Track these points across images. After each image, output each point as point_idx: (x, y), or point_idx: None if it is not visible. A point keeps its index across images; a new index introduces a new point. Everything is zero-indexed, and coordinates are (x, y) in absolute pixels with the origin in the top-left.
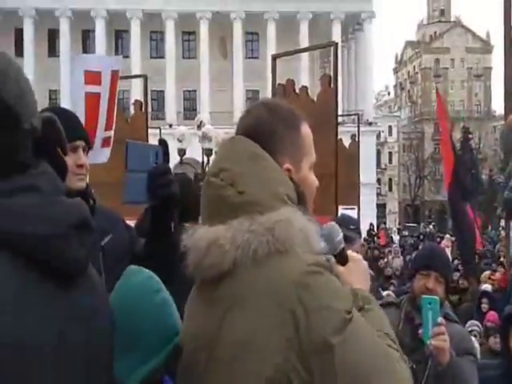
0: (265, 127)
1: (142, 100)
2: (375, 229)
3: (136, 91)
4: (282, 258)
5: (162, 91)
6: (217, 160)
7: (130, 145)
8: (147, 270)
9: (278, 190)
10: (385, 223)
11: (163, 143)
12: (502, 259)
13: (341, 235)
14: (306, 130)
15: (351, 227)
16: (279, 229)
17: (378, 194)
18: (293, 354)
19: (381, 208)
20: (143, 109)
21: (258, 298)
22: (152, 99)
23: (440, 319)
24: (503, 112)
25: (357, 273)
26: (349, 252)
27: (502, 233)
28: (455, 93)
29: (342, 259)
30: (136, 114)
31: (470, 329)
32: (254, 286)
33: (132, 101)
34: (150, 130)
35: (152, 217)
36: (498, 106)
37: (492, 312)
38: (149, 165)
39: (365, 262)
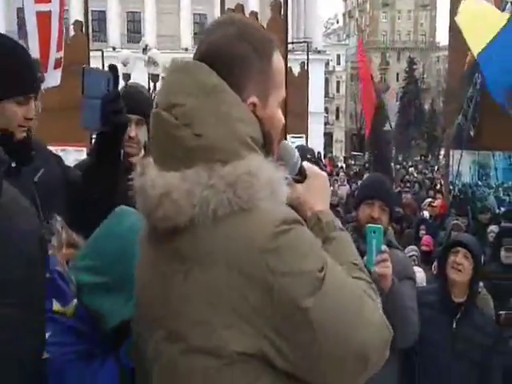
0: (232, 51)
1: (83, 20)
2: (322, 157)
3: (75, 11)
4: (246, 218)
5: (104, 11)
6: (168, 89)
7: (85, 71)
8: (137, 214)
9: (240, 131)
10: (331, 152)
11: (114, 69)
12: (438, 187)
13: (297, 153)
14: (278, 59)
15: (308, 156)
16: (242, 184)
17: (326, 123)
18: (263, 321)
19: (328, 137)
20: (84, 30)
21: (221, 262)
22: (93, 20)
23: (383, 247)
24: (447, 43)
25: (317, 189)
26: (306, 166)
27: (442, 161)
28: (402, 23)
29: (301, 177)
30: (76, 35)
31: (409, 254)
32: (216, 249)
33: (71, 21)
34: (91, 53)
35: (101, 143)
36: (442, 36)
37: (426, 237)
38: (102, 91)
39: (324, 175)
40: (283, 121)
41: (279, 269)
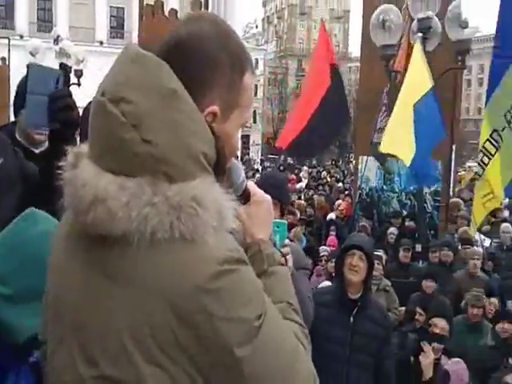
0: (210, 51)
1: None
2: (239, 159)
3: None
4: (187, 249)
5: None
6: (118, 79)
7: (31, 67)
8: (53, 219)
9: (194, 146)
10: (248, 154)
11: (64, 68)
12: (347, 192)
13: (242, 173)
14: (250, 79)
15: None
16: (188, 211)
17: (243, 126)
18: (189, 362)
19: (245, 139)
20: None
21: (150, 291)
22: None
23: (286, 241)
24: (359, 54)
25: (260, 215)
26: (251, 188)
27: (351, 167)
28: (317, 32)
29: (245, 199)
30: None
31: (321, 254)
32: (147, 275)
33: None
34: None
35: (52, 141)
36: (354, 48)
37: (331, 237)
38: (50, 89)
39: (268, 200)
40: (238, 147)
41: (216, 312)
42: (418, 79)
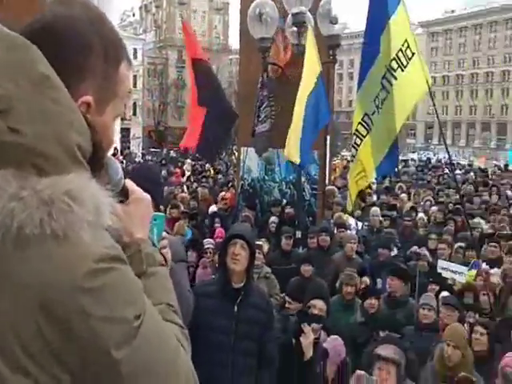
0: (84, 37)
1: None
2: (119, 153)
3: None
4: (60, 246)
5: None
6: None
7: None
8: None
9: (68, 137)
10: (129, 148)
11: None
12: (230, 183)
13: (120, 170)
14: (126, 69)
15: None
16: (61, 206)
17: (122, 119)
18: (61, 366)
19: (125, 133)
20: None
21: (17, 290)
22: None
23: (164, 233)
24: (238, 47)
25: (139, 214)
26: (130, 185)
27: (234, 158)
28: (197, 23)
29: (123, 197)
30: None
31: (206, 246)
32: (14, 273)
33: None
34: None
35: None
36: (234, 40)
37: (219, 229)
38: None
39: (148, 199)
40: (114, 141)
41: (94, 312)
42: (311, 67)
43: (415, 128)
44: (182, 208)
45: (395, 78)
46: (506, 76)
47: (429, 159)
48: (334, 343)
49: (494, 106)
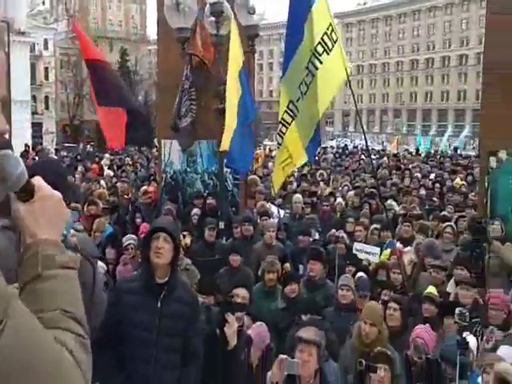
0: None
1: None
2: (31, 149)
3: None
4: None
5: None
6: None
7: None
8: None
9: None
10: (41, 143)
11: None
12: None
13: (22, 164)
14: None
15: None
16: None
17: (34, 113)
18: None
19: (37, 127)
20: None
21: None
22: None
23: (72, 231)
24: (156, 37)
25: (45, 213)
26: (36, 182)
27: (155, 151)
28: (113, 12)
29: (27, 195)
30: None
31: (126, 242)
32: None
33: None
34: None
35: None
36: (152, 31)
37: (144, 224)
38: None
39: (58, 196)
40: (7, 129)
41: None
42: (236, 60)
43: (333, 116)
44: (101, 204)
45: (321, 62)
46: (414, 65)
47: (346, 146)
48: (259, 330)
49: (404, 93)
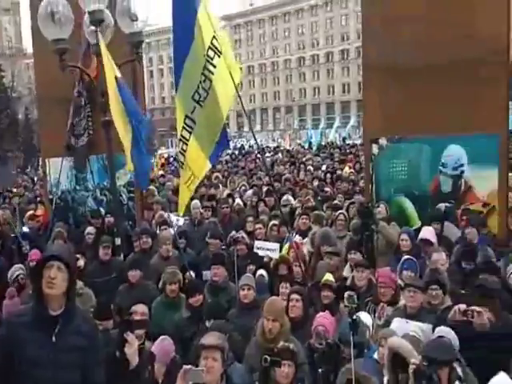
0: None
1: None
2: None
3: None
4: None
5: None
6: None
7: None
8: None
9: None
10: None
11: None
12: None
13: None
14: None
15: None
16: None
17: None
18: None
19: None
20: None
21: None
22: None
23: None
24: (32, 50)
25: None
26: None
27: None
28: None
29: None
30: None
31: (16, 274)
32: None
33: None
34: None
35: None
36: (28, 43)
37: (34, 251)
38: None
39: None
40: None
41: None
42: (110, 73)
43: (227, 117)
44: None
45: (214, 66)
46: (301, 62)
47: (243, 146)
48: (162, 344)
49: (294, 90)
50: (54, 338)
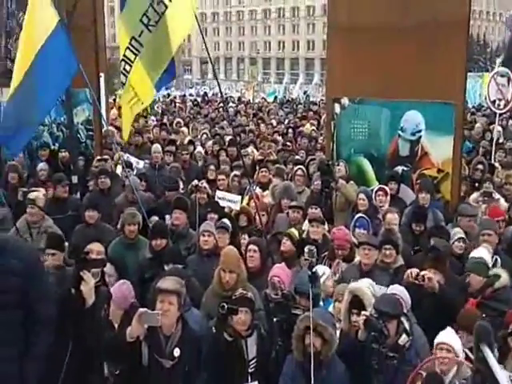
0: None
1: None
2: None
3: None
4: None
5: None
6: None
7: None
8: None
9: None
10: None
11: None
12: None
13: None
14: None
15: None
16: None
17: None
18: None
19: None
20: None
21: None
22: None
23: None
24: None
25: None
26: None
27: None
28: None
29: None
30: None
31: None
32: None
33: None
34: None
35: None
36: None
37: None
38: None
39: None
40: None
41: None
42: (41, 18)
43: (191, 64)
44: None
45: None
46: (267, 14)
47: (206, 93)
48: (120, 288)
49: (259, 42)
50: None
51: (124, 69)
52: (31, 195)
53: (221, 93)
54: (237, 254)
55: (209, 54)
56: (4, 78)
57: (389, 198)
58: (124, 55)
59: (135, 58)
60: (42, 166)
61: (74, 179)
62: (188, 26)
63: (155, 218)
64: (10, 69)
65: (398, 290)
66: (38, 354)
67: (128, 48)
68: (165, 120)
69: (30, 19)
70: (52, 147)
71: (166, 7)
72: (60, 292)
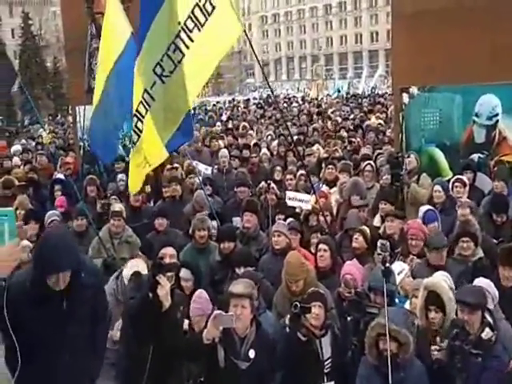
0: None
1: None
2: None
3: None
4: None
5: None
6: None
7: None
8: None
9: None
10: None
11: None
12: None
13: None
14: None
15: None
16: None
17: None
18: None
19: None
20: None
21: None
22: None
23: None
24: None
25: None
26: None
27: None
28: None
29: None
30: None
31: (50, 219)
32: None
33: None
34: None
35: None
36: None
37: (60, 197)
38: None
39: None
40: None
41: None
42: (116, 25)
43: (253, 67)
44: (17, 182)
45: (191, 40)
46: (328, 10)
47: (269, 96)
48: (200, 301)
49: (321, 39)
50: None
51: (136, 126)
52: (116, 207)
53: (272, 94)
54: (299, 258)
55: (256, 57)
56: (89, 97)
57: (467, 188)
58: (137, 110)
59: (146, 113)
60: (120, 176)
61: (147, 188)
62: (208, 72)
63: (213, 224)
64: (93, 87)
65: (484, 282)
66: (102, 350)
67: (141, 102)
68: (230, 125)
69: (106, 32)
70: (126, 159)
71: (184, 55)
72: (138, 297)
